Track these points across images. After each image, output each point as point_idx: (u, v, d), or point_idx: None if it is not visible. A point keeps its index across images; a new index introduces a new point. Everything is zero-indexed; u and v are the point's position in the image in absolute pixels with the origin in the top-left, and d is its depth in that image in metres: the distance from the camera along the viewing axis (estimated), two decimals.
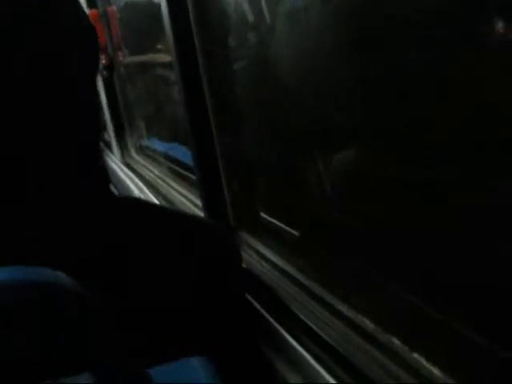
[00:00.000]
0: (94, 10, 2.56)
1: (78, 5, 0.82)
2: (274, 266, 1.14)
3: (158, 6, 1.28)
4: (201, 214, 1.42)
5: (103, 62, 2.57)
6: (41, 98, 0.74)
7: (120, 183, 2.36)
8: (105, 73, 2.64)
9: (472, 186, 0.66)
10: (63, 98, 0.77)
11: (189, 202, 1.68)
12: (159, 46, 2.03)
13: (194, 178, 1.61)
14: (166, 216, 1.00)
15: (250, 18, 1.12)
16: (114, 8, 2.50)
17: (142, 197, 2.02)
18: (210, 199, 1.33)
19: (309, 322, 0.94)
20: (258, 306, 1.05)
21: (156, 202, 1.87)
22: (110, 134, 2.74)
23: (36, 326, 0.56)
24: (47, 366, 0.74)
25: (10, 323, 0.56)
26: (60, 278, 0.57)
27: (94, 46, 0.84)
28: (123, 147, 2.68)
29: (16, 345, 0.59)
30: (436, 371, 0.71)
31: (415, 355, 0.74)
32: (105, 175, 0.87)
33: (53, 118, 0.75)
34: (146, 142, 2.53)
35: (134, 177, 2.32)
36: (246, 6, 1.12)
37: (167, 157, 2.11)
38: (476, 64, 0.61)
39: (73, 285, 0.57)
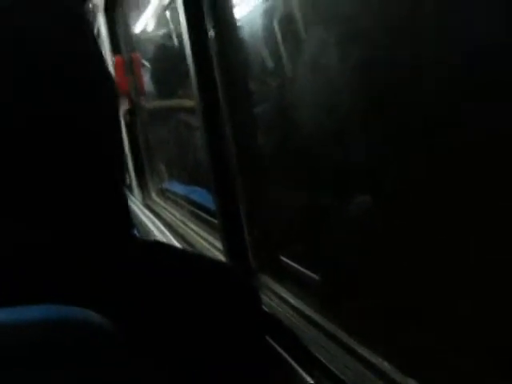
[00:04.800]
0: (119, 57, 2.64)
1: (99, 57, 0.85)
2: (294, 308, 1.15)
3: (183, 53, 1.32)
4: (221, 256, 1.44)
5: (126, 106, 2.63)
6: (64, 145, 0.77)
7: (141, 225, 2.39)
8: (127, 117, 2.70)
9: None
10: (86, 145, 0.79)
11: (209, 244, 1.70)
12: (180, 92, 2.08)
13: (214, 220, 1.63)
14: (186, 259, 1.01)
15: (272, 65, 1.16)
16: (138, 55, 2.57)
17: (163, 239, 2.04)
18: (231, 242, 1.34)
19: (328, 364, 0.94)
20: (279, 349, 1.05)
21: (177, 244, 1.89)
22: (131, 176, 2.78)
23: (68, 364, 0.58)
24: None
25: (43, 362, 0.57)
26: (90, 317, 0.59)
27: (112, 96, 0.87)
28: (144, 189, 2.72)
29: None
30: None
31: None
32: (127, 218, 0.89)
33: (75, 160, 0.78)
34: (166, 185, 2.57)
35: (155, 219, 2.35)
36: (267, 55, 1.15)
37: (188, 200, 2.14)
38: None
39: (103, 323, 0.59)
